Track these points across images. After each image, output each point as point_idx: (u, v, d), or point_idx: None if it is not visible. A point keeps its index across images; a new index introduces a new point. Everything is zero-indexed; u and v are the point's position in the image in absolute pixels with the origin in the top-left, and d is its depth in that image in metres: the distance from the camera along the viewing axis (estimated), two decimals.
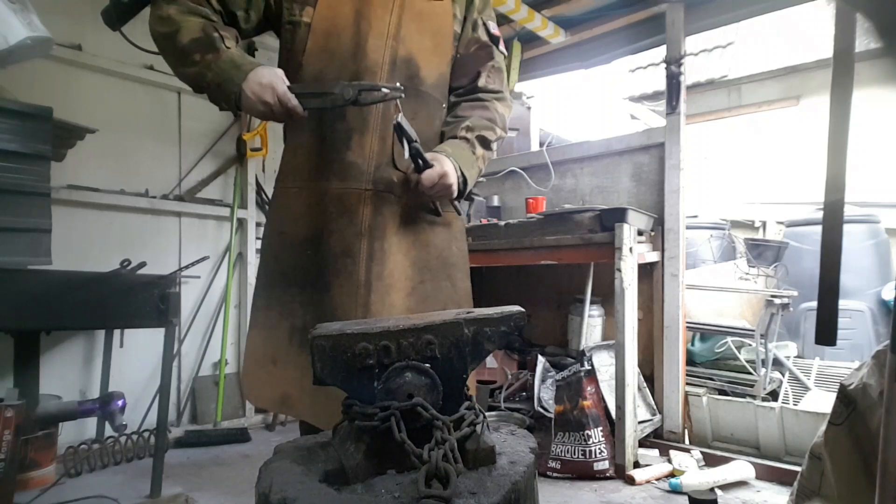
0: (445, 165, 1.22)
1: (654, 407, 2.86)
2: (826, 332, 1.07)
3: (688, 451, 2.61)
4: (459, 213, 1.40)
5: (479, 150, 1.35)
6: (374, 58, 1.24)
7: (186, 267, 2.66)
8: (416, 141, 1.17)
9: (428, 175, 1.20)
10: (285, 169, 1.31)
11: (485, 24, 1.42)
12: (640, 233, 2.70)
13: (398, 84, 1.17)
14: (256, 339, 1.28)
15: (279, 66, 1.28)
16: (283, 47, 1.31)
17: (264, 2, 1.28)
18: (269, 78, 1.12)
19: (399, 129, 1.16)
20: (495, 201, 3.68)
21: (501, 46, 1.46)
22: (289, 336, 1.25)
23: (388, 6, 1.27)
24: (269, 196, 3.63)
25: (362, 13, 1.25)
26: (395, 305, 1.25)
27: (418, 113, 1.29)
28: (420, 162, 1.19)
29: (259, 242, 3.60)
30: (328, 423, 1.08)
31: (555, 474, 2.49)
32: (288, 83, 1.14)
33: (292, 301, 1.26)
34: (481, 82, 1.41)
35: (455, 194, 1.28)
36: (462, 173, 1.27)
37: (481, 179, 3.41)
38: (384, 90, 1.15)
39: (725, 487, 2.29)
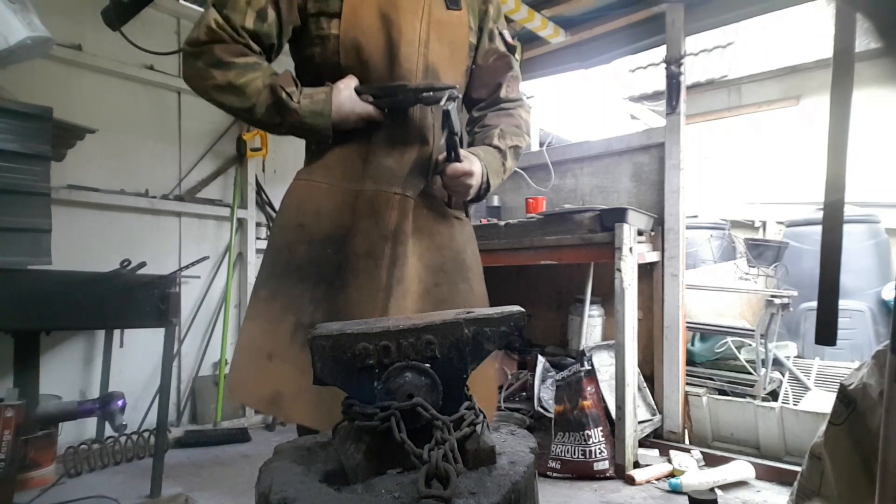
0: (475, 166, 1.23)
1: (654, 407, 2.86)
2: (826, 332, 1.07)
3: (688, 451, 2.61)
4: (468, 216, 1.40)
5: (509, 163, 1.38)
6: (408, 66, 1.22)
7: (186, 267, 2.65)
8: (457, 133, 1.18)
9: (454, 167, 1.20)
10: (314, 163, 1.27)
11: (501, 34, 1.42)
12: (640, 233, 2.70)
13: (454, 85, 1.20)
14: (254, 330, 1.21)
15: (306, 81, 1.24)
16: (310, 62, 1.26)
17: (291, 26, 1.23)
18: (349, 105, 1.17)
19: (446, 115, 1.15)
20: (495, 201, 3.68)
21: (517, 54, 1.47)
22: (292, 332, 1.20)
23: (417, 13, 1.24)
24: (269, 196, 3.68)
25: (391, 20, 1.21)
26: (408, 308, 1.23)
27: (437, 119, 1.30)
28: (453, 154, 1.20)
29: (259, 242, 3.61)
30: (322, 426, 1.07)
31: (555, 474, 2.49)
32: (358, 87, 1.18)
33: (302, 296, 1.21)
34: (502, 93, 1.43)
35: (471, 196, 1.28)
36: (487, 179, 1.29)
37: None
38: (440, 93, 1.17)
39: (725, 487, 2.30)
